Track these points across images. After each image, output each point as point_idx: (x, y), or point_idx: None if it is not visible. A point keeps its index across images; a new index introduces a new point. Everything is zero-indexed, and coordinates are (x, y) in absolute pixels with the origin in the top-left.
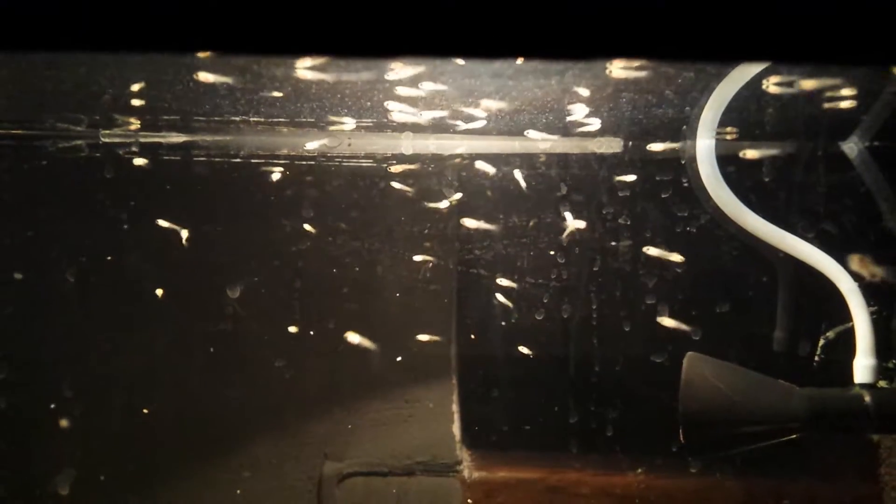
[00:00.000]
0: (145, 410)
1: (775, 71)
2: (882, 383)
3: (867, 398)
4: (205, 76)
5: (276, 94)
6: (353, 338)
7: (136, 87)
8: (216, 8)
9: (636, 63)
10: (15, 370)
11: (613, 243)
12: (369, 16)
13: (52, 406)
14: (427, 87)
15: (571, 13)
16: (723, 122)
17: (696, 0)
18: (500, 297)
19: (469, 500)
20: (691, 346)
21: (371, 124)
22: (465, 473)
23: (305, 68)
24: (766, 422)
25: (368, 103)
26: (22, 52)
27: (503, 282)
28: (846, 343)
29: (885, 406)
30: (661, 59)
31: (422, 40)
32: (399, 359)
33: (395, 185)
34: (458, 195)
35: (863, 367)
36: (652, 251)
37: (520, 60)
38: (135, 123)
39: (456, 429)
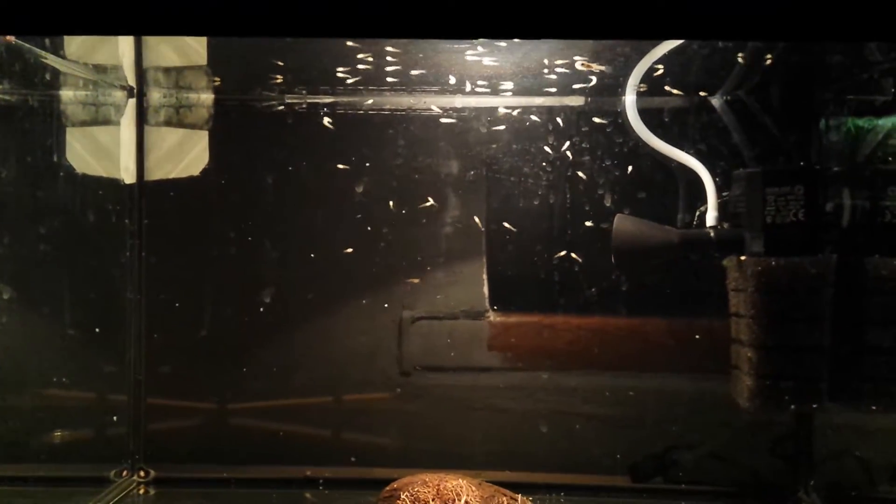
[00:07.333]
0: (313, 255)
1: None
2: (725, 225)
3: (712, 234)
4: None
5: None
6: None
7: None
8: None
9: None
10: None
11: (581, 158)
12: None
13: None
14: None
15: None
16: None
17: None
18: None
19: (492, 334)
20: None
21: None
22: (491, 318)
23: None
24: (661, 249)
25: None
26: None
27: (515, 182)
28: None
29: (722, 238)
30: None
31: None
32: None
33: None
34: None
35: (711, 217)
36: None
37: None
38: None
39: (485, 290)
